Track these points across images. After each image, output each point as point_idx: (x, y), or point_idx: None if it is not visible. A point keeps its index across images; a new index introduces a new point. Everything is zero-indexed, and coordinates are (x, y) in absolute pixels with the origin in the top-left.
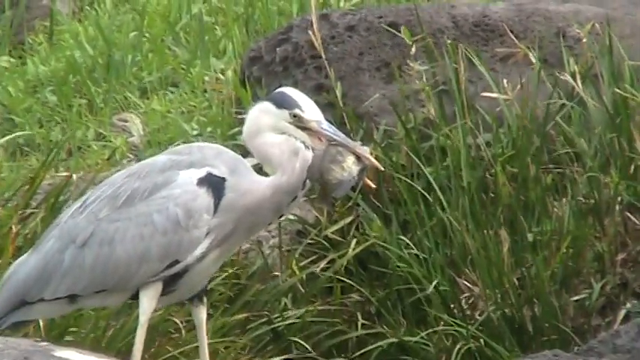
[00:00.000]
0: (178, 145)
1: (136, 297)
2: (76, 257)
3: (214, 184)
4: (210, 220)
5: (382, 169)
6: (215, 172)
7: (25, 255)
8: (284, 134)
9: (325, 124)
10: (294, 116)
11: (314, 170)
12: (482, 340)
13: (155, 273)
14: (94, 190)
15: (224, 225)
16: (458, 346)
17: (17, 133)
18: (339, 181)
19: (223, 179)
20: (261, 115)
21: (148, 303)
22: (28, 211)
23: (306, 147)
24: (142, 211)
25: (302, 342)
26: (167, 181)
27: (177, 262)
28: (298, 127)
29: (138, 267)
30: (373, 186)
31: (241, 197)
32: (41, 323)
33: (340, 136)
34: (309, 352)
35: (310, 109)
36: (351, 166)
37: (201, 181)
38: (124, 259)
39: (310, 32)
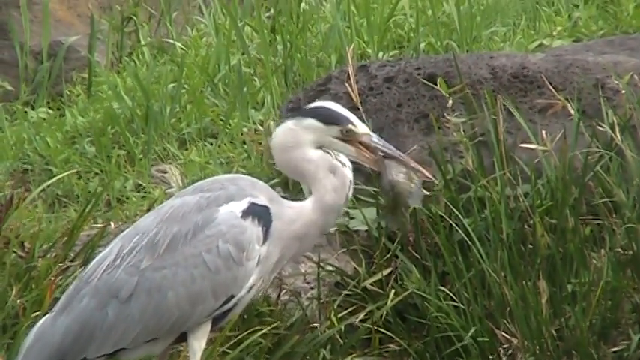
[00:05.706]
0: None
1: (180, 340)
2: (122, 311)
3: (259, 214)
4: (260, 249)
5: (436, 181)
6: (257, 201)
7: (48, 317)
8: (320, 150)
9: (375, 137)
10: (347, 132)
11: (385, 185)
12: None
13: (211, 312)
14: (124, 241)
15: (272, 253)
16: None
17: (54, 179)
18: (410, 192)
19: (267, 207)
20: (302, 131)
21: (198, 344)
22: (67, 263)
23: (343, 164)
24: (190, 253)
25: None
26: (209, 220)
27: (232, 296)
28: (346, 141)
29: (192, 309)
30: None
31: (289, 225)
32: None
33: (392, 150)
34: None
35: (360, 123)
36: (413, 175)
37: (246, 213)
38: (176, 304)
39: (348, 84)
